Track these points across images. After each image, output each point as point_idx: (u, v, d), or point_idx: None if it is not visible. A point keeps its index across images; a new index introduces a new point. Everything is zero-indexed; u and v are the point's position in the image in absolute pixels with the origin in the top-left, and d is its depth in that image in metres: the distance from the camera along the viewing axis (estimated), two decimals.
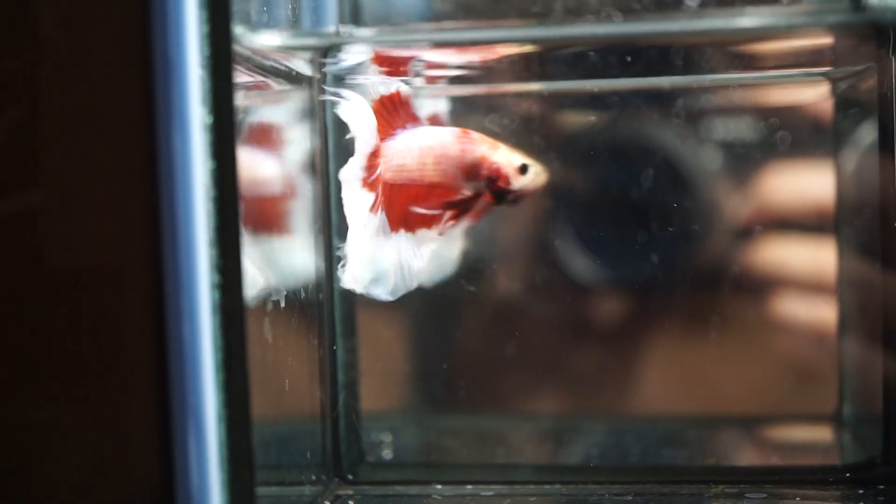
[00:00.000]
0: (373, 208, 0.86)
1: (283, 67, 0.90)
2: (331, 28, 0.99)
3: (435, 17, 1.02)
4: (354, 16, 1.01)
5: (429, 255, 0.89)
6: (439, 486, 1.00)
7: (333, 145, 1.01)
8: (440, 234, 0.89)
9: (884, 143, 0.94)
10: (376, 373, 1.08)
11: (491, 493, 0.99)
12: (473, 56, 0.99)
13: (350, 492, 1.00)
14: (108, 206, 0.70)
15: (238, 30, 0.75)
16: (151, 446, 0.71)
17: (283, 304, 0.85)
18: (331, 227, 1.00)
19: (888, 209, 0.93)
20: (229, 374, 0.69)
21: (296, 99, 0.94)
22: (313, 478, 0.96)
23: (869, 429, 1.01)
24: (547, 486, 1.00)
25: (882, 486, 0.96)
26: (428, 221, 0.88)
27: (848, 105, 1.01)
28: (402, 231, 0.88)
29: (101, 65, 0.70)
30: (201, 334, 0.69)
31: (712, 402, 1.09)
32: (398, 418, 1.10)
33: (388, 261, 0.87)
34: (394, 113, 0.88)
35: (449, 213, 0.88)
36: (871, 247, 0.98)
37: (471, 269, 1.05)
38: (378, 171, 0.87)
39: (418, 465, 1.09)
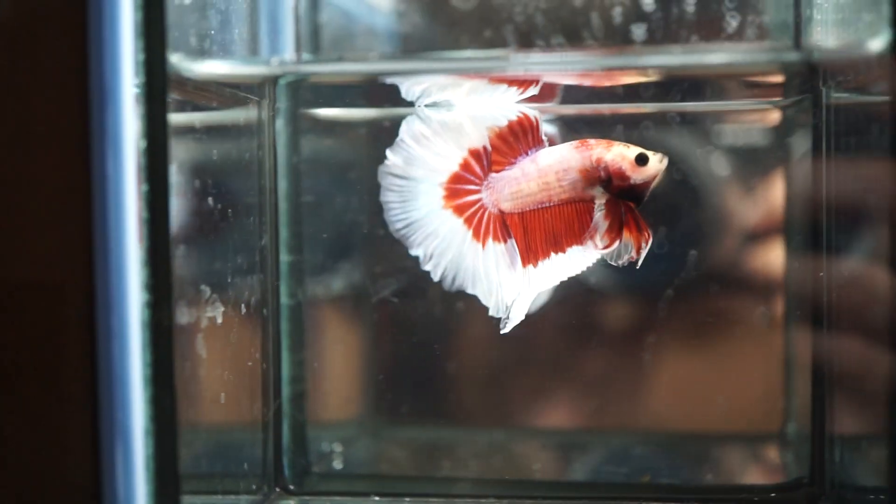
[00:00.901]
0: (488, 237, 0.90)
1: (229, 91, 0.93)
2: (286, 56, 1.01)
3: (401, 44, 1.05)
4: (314, 44, 1.03)
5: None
6: (377, 498, 1.03)
7: (285, 163, 1.04)
8: (600, 248, 0.90)
9: (816, 156, 0.98)
10: (326, 385, 1.10)
11: None
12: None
13: (291, 502, 1.03)
14: (45, 225, 0.73)
15: (176, 58, 0.77)
16: (83, 457, 0.74)
17: (220, 321, 0.87)
18: (278, 244, 1.03)
19: (822, 218, 0.96)
20: (157, 389, 0.72)
21: (243, 119, 0.96)
22: (253, 487, 0.99)
23: (825, 449, 1.03)
24: (483, 501, 1.02)
25: None
26: (563, 244, 0.91)
27: (795, 126, 1.04)
28: (530, 265, 0.91)
29: (40, 89, 0.72)
30: (131, 351, 0.72)
31: (656, 419, 1.11)
32: (347, 430, 1.12)
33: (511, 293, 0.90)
34: (522, 138, 0.91)
35: (601, 230, 0.90)
36: (813, 264, 1.01)
37: (419, 282, 1.08)
38: (479, 197, 0.90)
39: (364, 477, 1.11)
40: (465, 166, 0.91)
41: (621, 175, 0.89)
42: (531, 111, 0.91)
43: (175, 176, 0.77)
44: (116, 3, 0.71)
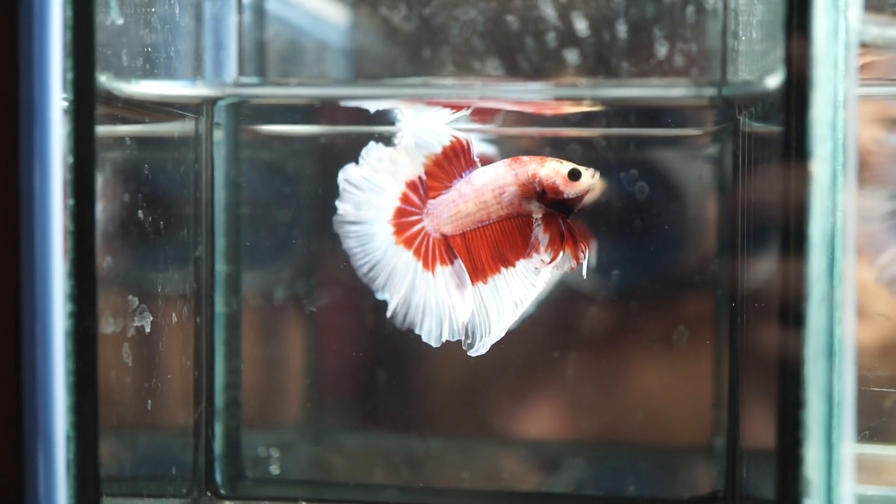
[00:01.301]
0: (436, 262, 0.93)
1: (164, 108, 0.96)
2: (227, 78, 1.04)
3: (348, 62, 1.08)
4: (259, 61, 1.06)
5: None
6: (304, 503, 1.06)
7: (223, 175, 1.07)
8: (539, 268, 0.93)
9: (735, 177, 1.02)
10: (262, 393, 1.13)
11: None
12: None
13: None
14: None
15: (106, 77, 0.80)
16: (7, 461, 0.76)
17: (148, 330, 0.90)
18: (214, 254, 1.05)
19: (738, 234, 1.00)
20: (79, 397, 0.74)
21: (179, 131, 0.99)
22: (183, 491, 1.01)
23: (738, 463, 1.07)
24: None
25: None
26: (509, 258, 0.93)
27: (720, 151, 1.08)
28: (479, 283, 0.94)
29: None
30: (54, 359, 0.75)
31: (592, 429, 1.14)
32: (283, 436, 1.15)
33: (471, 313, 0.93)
34: (455, 162, 0.93)
35: (543, 243, 0.92)
36: (733, 273, 1.04)
37: (354, 293, 1.10)
38: (421, 226, 0.93)
39: (298, 483, 1.13)
40: (405, 199, 0.94)
41: (555, 189, 0.91)
42: (461, 134, 0.94)
43: (103, 190, 0.80)
44: (46, 23, 0.73)
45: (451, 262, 0.95)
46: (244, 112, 1.08)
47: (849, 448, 0.75)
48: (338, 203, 0.95)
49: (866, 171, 1.01)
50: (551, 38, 1.02)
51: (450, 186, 0.94)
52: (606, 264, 1.06)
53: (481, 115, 1.02)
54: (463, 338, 0.95)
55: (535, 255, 0.93)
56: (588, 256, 0.93)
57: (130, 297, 0.87)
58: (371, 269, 0.96)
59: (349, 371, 1.15)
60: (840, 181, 0.73)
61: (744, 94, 0.90)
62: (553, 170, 0.91)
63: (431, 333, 0.95)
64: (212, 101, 1.01)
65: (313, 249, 1.10)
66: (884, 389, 1.04)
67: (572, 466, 1.14)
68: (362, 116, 1.06)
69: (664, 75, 1.00)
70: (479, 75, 1.02)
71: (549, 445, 1.15)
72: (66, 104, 0.74)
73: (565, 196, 0.92)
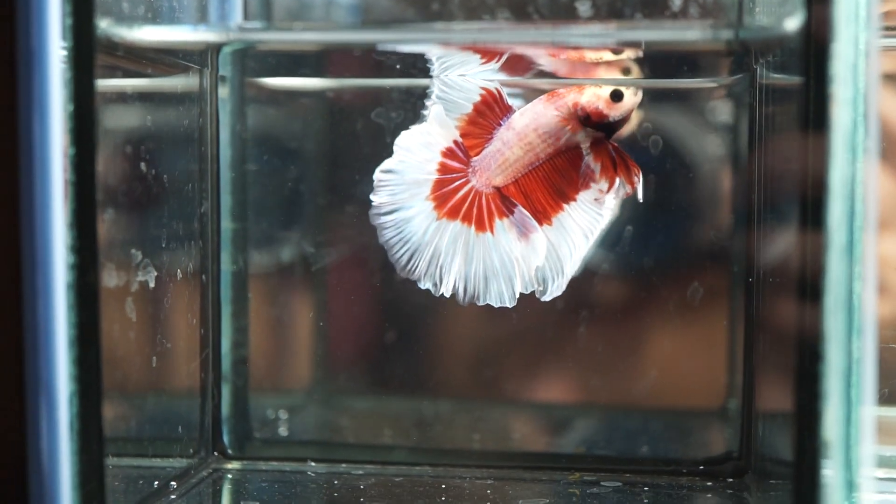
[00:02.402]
0: (493, 219, 0.92)
1: (167, 58, 0.93)
2: (231, 22, 1.01)
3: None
4: (266, 11, 1.04)
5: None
6: (313, 464, 1.05)
7: (229, 131, 1.05)
8: (599, 198, 0.92)
9: (751, 131, 1.00)
10: (269, 353, 1.12)
11: (361, 472, 1.03)
12: None
13: (229, 466, 1.05)
14: None
15: (106, 23, 0.78)
16: (10, 416, 0.75)
17: (152, 285, 0.88)
18: (220, 210, 1.04)
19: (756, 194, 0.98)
20: (81, 350, 0.73)
21: (183, 85, 0.97)
22: (191, 451, 1.00)
23: (753, 424, 1.05)
24: (416, 468, 1.04)
25: (731, 480, 1.01)
26: (568, 194, 0.92)
27: (739, 101, 1.05)
28: (545, 224, 0.93)
29: None
30: (55, 311, 0.73)
31: (600, 393, 1.13)
32: (292, 397, 1.14)
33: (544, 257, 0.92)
34: (489, 114, 0.92)
35: (597, 172, 0.92)
36: (749, 239, 1.02)
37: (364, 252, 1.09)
38: (469, 187, 0.92)
39: (306, 443, 1.12)
40: (444, 168, 0.93)
41: (599, 114, 0.90)
42: (489, 84, 0.93)
43: (104, 142, 0.78)
44: None
45: (511, 213, 0.93)
46: (249, 63, 1.06)
47: (869, 409, 0.73)
48: (372, 196, 0.94)
49: None
50: None
51: (491, 138, 0.93)
52: (618, 223, 1.04)
53: (509, 65, 1.00)
54: (536, 286, 0.94)
55: (592, 185, 0.92)
56: (641, 179, 0.92)
57: (134, 251, 0.86)
58: (411, 257, 0.94)
59: (358, 331, 1.13)
60: (861, 132, 0.71)
61: (762, 38, 0.87)
62: (594, 95, 0.90)
63: (503, 295, 0.94)
64: (216, 48, 0.99)
65: (321, 206, 1.08)
66: None
67: (583, 428, 1.13)
68: (372, 68, 1.05)
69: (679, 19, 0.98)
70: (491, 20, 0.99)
71: (563, 408, 1.14)
72: (65, 51, 0.72)
73: (610, 119, 0.90)
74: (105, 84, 0.80)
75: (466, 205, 0.93)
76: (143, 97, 0.89)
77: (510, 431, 1.13)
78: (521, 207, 0.93)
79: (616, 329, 1.09)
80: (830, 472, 0.70)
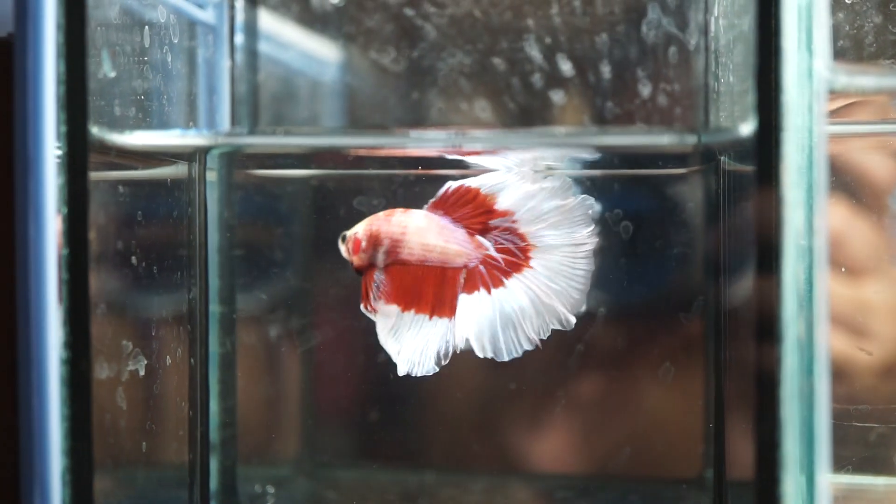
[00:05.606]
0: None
1: (157, 157, 0.98)
2: (219, 128, 1.06)
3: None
4: (253, 109, 1.08)
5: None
6: None
7: (216, 217, 1.09)
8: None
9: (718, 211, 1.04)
10: (257, 430, 1.14)
11: None
12: None
13: None
14: None
15: (98, 129, 0.82)
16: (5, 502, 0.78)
17: (142, 373, 0.92)
18: (208, 295, 1.07)
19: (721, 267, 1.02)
20: (74, 442, 0.76)
21: (171, 178, 1.01)
22: None
23: (730, 493, 1.08)
24: None
25: None
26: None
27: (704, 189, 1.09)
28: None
29: None
30: (50, 406, 0.76)
31: (583, 463, 1.15)
32: (280, 472, 1.16)
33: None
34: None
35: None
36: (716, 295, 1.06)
37: (347, 332, 1.12)
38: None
39: None
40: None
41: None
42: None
43: (96, 238, 0.82)
44: (40, 78, 0.76)
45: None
46: (237, 156, 1.10)
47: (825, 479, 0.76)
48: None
49: None
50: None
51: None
52: (594, 302, 1.08)
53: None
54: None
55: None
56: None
57: (124, 342, 0.89)
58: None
59: (343, 406, 1.16)
60: (814, 209, 0.74)
61: (721, 141, 0.92)
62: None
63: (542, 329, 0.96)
64: (204, 150, 1.03)
65: (306, 289, 1.12)
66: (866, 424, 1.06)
67: (567, 500, 1.15)
68: (354, 159, 1.09)
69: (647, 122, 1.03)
70: (466, 120, 1.04)
71: (546, 479, 1.16)
72: (59, 156, 0.76)
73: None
74: (97, 178, 0.83)
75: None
76: (134, 189, 0.93)
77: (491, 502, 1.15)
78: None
79: (594, 398, 1.12)
80: None
